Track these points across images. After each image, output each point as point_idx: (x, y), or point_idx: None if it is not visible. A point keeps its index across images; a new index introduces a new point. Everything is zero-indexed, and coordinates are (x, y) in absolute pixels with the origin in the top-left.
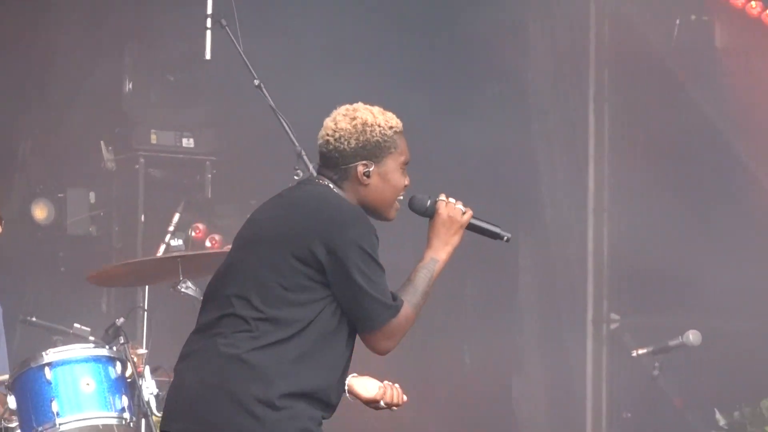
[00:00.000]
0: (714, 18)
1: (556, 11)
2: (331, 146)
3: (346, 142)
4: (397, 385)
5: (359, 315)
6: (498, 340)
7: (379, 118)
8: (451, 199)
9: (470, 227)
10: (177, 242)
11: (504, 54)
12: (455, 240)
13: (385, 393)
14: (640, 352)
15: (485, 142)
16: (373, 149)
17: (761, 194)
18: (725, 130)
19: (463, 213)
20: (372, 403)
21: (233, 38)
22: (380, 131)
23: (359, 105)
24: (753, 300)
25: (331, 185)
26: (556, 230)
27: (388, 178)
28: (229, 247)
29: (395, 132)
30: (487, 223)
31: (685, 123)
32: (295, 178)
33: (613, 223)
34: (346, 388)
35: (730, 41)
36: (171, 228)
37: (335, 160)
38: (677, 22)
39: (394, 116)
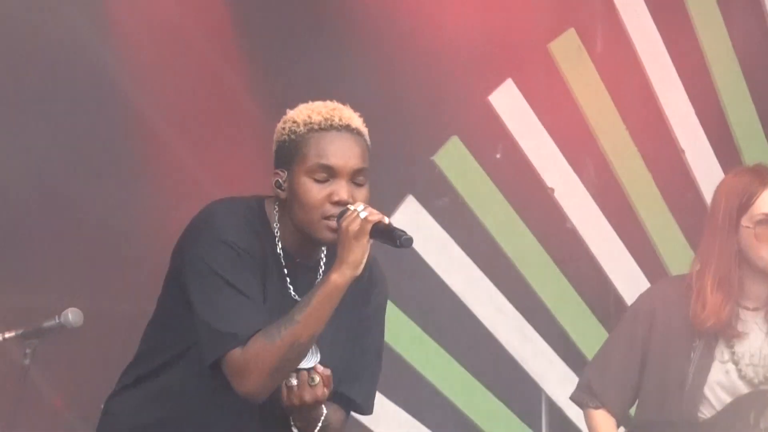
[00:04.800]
0: None
1: None
2: None
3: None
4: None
5: (199, 343)
6: None
7: (299, 114)
8: (360, 206)
9: (375, 234)
10: None
11: None
12: (353, 255)
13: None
14: (7, 335)
15: None
16: (283, 153)
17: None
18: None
19: (363, 220)
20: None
21: None
22: (290, 128)
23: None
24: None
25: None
26: None
27: (294, 190)
28: None
29: (310, 129)
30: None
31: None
32: None
33: None
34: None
35: None
36: None
37: None
38: None
39: (331, 110)
